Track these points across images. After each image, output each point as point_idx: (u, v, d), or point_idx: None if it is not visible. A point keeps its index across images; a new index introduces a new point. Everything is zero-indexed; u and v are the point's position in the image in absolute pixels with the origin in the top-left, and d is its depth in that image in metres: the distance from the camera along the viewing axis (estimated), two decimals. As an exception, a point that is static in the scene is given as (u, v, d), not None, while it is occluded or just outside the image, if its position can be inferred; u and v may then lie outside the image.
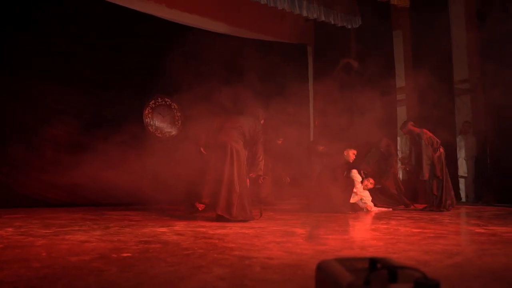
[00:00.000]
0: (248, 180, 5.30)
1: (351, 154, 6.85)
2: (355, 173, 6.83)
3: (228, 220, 4.90)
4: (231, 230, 4.23)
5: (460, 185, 8.81)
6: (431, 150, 6.87)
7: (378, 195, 7.56)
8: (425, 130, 7.02)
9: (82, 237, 3.60)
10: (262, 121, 5.82)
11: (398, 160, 8.74)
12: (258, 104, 5.99)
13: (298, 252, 2.97)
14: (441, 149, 6.98)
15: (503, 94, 7.60)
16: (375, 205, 7.01)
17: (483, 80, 8.31)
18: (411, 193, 8.50)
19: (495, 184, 7.97)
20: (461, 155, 8.85)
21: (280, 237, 3.76)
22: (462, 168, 8.84)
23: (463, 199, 8.77)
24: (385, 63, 9.28)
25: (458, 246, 3.26)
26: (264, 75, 8.49)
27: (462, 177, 8.81)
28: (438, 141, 7.02)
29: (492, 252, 3.01)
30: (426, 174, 6.79)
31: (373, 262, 1.33)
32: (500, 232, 4.05)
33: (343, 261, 1.45)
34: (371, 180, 6.95)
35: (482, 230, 4.25)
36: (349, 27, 8.83)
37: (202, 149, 5.42)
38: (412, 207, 7.56)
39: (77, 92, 7.61)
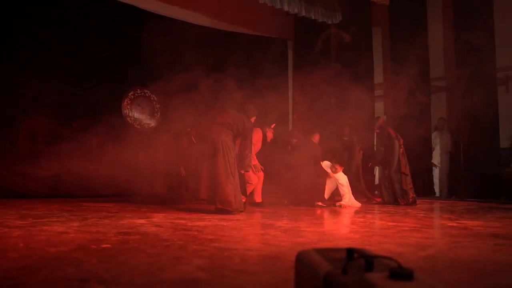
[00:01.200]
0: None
1: (316, 138, 6.93)
2: (325, 164, 6.89)
3: (229, 212, 5.05)
4: (210, 223, 4.27)
5: (434, 179, 9.02)
6: (398, 146, 7.16)
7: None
8: (390, 128, 7.34)
9: (59, 228, 3.58)
10: (253, 119, 5.91)
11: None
12: (250, 101, 6.16)
13: (277, 244, 3.02)
14: (403, 147, 7.31)
15: (477, 92, 7.82)
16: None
17: (459, 78, 8.49)
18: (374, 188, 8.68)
19: (467, 180, 8.18)
20: (437, 150, 9.05)
21: (259, 229, 3.81)
22: (436, 158, 9.04)
23: (437, 194, 8.98)
24: (364, 59, 9.40)
25: (431, 239, 3.37)
26: (243, 68, 8.50)
27: (435, 166, 9.00)
28: (401, 139, 7.33)
29: (463, 245, 3.13)
30: (394, 168, 7.09)
31: (350, 252, 1.38)
32: (471, 226, 4.19)
33: (321, 251, 1.50)
34: (337, 166, 6.89)
35: (454, 224, 4.38)
36: (329, 22, 8.89)
37: (193, 138, 5.71)
38: (374, 201, 7.68)
39: (56, 82, 7.47)
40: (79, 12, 7.85)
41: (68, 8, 7.72)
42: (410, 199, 7.01)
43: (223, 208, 5.09)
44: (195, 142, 5.68)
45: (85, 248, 2.74)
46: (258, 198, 6.56)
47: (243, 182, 5.90)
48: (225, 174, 5.16)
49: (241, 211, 5.21)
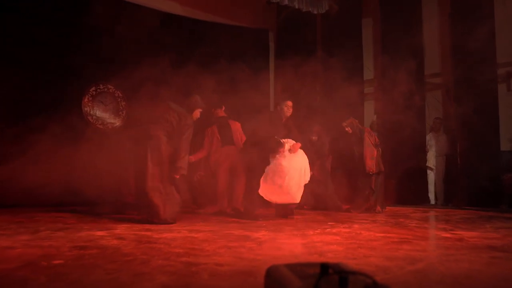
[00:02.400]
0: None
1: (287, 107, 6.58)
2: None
3: (154, 223, 5.02)
4: (179, 234, 4.25)
5: (429, 185, 9.14)
6: (373, 145, 7.32)
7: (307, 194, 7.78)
8: (365, 127, 7.58)
9: (5, 243, 3.51)
10: (197, 112, 5.71)
11: None
12: (196, 92, 5.95)
13: (251, 258, 3.02)
14: (380, 149, 7.47)
15: (475, 90, 7.96)
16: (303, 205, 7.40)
17: (455, 74, 8.63)
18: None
19: (464, 186, 8.31)
20: (431, 152, 9.18)
21: (233, 241, 3.81)
22: (431, 161, 9.15)
23: (432, 202, 9.10)
24: (353, 53, 9.48)
25: (422, 251, 3.42)
26: (220, 62, 8.48)
27: (430, 169, 9.12)
28: (377, 139, 7.52)
29: (457, 258, 3.18)
30: (372, 167, 7.22)
31: (325, 268, 1.39)
32: (467, 237, 4.26)
33: (293, 266, 1.50)
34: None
35: (449, 235, 4.45)
36: (315, 12, 8.96)
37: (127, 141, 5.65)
38: (344, 208, 7.73)
39: (7, 74, 7.34)
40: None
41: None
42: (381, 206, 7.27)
43: (149, 219, 5.12)
44: (128, 146, 5.59)
45: (34, 265, 2.70)
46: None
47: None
48: (151, 181, 5.12)
49: (171, 223, 5.13)
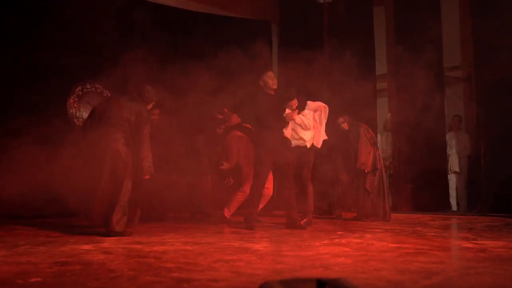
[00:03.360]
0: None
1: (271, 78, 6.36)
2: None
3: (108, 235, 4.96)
4: (172, 247, 4.24)
5: (450, 190, 9.08)
6: (369, 142, 7.32)
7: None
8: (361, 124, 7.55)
9: (-21, 259, 3.50)
10: (150, 105, 5.57)
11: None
12: (146, 83, 5.77)
13: (249, 273, 3.00)
14: (378, 151, 7.50)
15: (500, 84, 7.89)
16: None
17: (476, 66, 8.59)
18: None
19: (489, 191, 8.24)
20: (453, 154, 9.12)
21: (230, 254, 3.79)
22: (455, 164, 9.09)
23: (454, 208, 9.05)
24: (364, 46, 9.44)
25: (439, 264, 3.38)
26: (219, 57, 8.47)
27: (455, 172, 9.06)
28: (376, 138, 7.66)
29: (478, 271, 3.14)
30: (367, 163, 7.20)
31: (321, 284, 1.36)
32: (490, 247, 4.22)
33: (288, 282, 1.48)
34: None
35: (471, 245, 4.41)
36: (321, 1, 8.93)
37: (81, 146, 5.37)
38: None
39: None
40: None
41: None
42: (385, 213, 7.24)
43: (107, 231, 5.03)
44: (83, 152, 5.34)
45: (8, 284, 2.68)
46: (228, 213, 6.75)
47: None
48: (109, 192, 5.03)
49: (120, 234, 4.98)
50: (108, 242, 4.54)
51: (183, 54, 8.50)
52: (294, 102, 6.34)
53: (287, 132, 6.38)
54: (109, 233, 4.97)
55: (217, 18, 9.97)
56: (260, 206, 6.65)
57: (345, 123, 7.51)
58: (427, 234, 5.35)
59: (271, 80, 6.15)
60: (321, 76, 9.02)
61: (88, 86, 8.63)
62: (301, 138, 6.53)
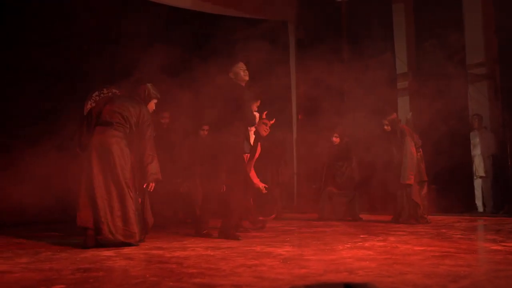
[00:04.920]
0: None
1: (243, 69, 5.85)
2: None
3: (115, 245, 4.65)
4: (194, 252, 4.27)
5: (475, 191, 8.99)
6: (414, 149, 7.10)
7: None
8: (405, 126, 7.32)
9: (2, 267, 3.56)
10: (152, 103, 5.30)
11: None
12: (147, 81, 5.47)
13: (272, 278, 3.01)
14: (421, 151, 7.31)
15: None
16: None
17: (501, 62, 8.49)
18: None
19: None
20: (477, 153, 9.03)
21: (253, 259, 3.80)
22: (480, 168, 8.98)
23: (480, 209, 8.95)
24: (383, 44, 9.41)
25: (466, 267, 3.35)
26: (234, 58, 8.51)
27: (481, 177, 8.97)
28: (420, 140, 7.35)
29: (508, 274, 3.11)
30: (410, 177, 6.97)
31: (349, 289, 1.37)
32: (520, 249, 4.18)
33: (314, 287, 1.49)
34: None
35: (499, 247, 4.37)
36: (339, 0, 8.93)
37: (78, 150, 5.07)
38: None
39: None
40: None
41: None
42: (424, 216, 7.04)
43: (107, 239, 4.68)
44: (81, 154, 5.05)
45: (32, 290, 2.74)
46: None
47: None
48: (109, 196, 4.72)
49: (128, 244, 4.70)
50: (129, 248, 4.58)
51: (201, 57, 8.54)
52: (258, 103, 6.15)
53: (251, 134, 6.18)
54: (101, 241, 4.65)
55: (233, 19, 10.01)
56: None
57: (388, 126, 7.26)
58: (453, 236, 5.31)
59: (242, 71, 5.71)
60: (339, 76, 9.02)
61: (105, 92, 8.71)
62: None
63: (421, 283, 2.79)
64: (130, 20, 8.01)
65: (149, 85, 5.29)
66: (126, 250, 4.45)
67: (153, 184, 4.99)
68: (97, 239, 4.67)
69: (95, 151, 4.78)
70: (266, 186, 6.87)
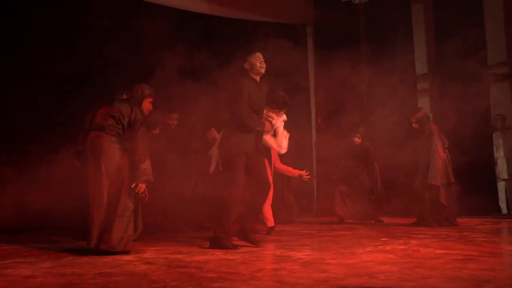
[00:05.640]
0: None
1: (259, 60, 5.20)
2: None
3: (108, 253, 4.47)
4: (213, 256, 4.28)
5: (499, 193, 8.88)
6: (442, 149, 6.96)
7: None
8: (434, 125, 7.14)
9: (26, 272, 3.61)
10: (146, 101, 5.13)
11: None
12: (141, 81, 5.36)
13: (293, 282, 3.01)
14: (447, 152, 7.14)
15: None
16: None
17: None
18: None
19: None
20: (500, 155, 8.94)
21: (272, 263, 3.81)
22: (504, 171, 8.88)
23: (504, 211, 8.84)
24: (403, 45, 9.37)
25: (490, 271, 3.32)
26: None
27: (504, 180, 8.87)
28: (447, 142, 7.19)
29: (532, 278, 3.08)
30: (438, 177, 6.82)
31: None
32: (544, 252, 4.12)
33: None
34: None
35: (523, 250, 4.32)
36: (357, 2, 8.91)
37: (75, 160, 5.02)
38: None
39: (19, 89, 7.55)
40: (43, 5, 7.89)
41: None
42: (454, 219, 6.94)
43: (99, 248, 4.51)
44: (78, 164, 4.99)
45: (54, 295, 2.77)
46: (269, 222, 6.45)
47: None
48: (100, 202, 4.57)
49: (119, 252, 4.52)
50: (149, 253, 4.62)
51: (220, 61, 8.58)
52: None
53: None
54: (101, 250, 4.49)
55: (252, 23, 10.04)
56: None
57: (416, 124, 7.12)
58: (476, 239, 5.25)
59: (259, 62, 5.11)
60: (359, 78, 9.00)
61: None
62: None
63: (444, 288, 2.78)
64: (143, 23, 8.07)
65: (142, 84, 5.23)
66: (146, 255, 4.49)
67: (143, 186, 4.73)
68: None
69: (89, 157, 4.72)
70: (307, 172, 6.82)
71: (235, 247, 4.72)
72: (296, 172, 6.84)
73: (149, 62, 7.98)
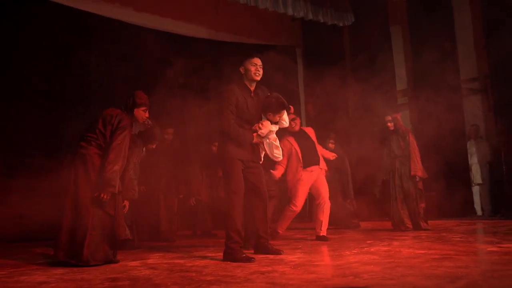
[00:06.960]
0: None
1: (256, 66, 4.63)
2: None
3: (77, 265, 4.14)
4: (212, 261, 4.28)
5: (474, 197, 8.90)
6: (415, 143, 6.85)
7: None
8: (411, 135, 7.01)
9: (40, 278, 3.61)
10: (140, 110, 4.65)
11: None
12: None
13: (283, 283, 3.01)
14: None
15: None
16: None
17: (492, 77, 8.45)
18: None
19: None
20: (474, 161, 8.97)
21: (266, 266, 3.80)
22: (477, 176, 8.91)
23: (479, 213, 8.85)
24: (384, 63, 9.43)
25: (464, 268, 3.31)
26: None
27: (478, 184, 8.89)
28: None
29: (502, 274, 3.07)
30: (420, 169, 6.75)
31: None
32: (514, 250, 4.12)
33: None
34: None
35: (495, 249, 4.31)
36: (341, 25, 8.98)
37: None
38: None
39: (31, 107, 7.59)
40: (57, 24, 7.83)
41: (43, 21, 7.70)
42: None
43: (67, 261, 4.20)
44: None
45: (65, 300, 2.77)
46: (281, 229, 6.29)
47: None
48: (75, 211, 4.24)
49: (97, 264, 4.19)
50: (153, 258, 4.62)
51: (216, 83, 8.61)
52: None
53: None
54: (71, 263, 4.17)
55: (245, 46, 10.08)
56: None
57: (391, 123, 6.94)
58: (452, 239, 5.25)
59: (254, 68, 4.55)
60: (344, 94, 9.05)
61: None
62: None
63: (421, 285, 2.77)
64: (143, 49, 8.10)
65: (136, 92, 4.72)
66: (150, 260, 4.49)
67: (105, 196, 4.20)
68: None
69: (70, 168, 4.40)
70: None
71: (249, 259, 4.15)
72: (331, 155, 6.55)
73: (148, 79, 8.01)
